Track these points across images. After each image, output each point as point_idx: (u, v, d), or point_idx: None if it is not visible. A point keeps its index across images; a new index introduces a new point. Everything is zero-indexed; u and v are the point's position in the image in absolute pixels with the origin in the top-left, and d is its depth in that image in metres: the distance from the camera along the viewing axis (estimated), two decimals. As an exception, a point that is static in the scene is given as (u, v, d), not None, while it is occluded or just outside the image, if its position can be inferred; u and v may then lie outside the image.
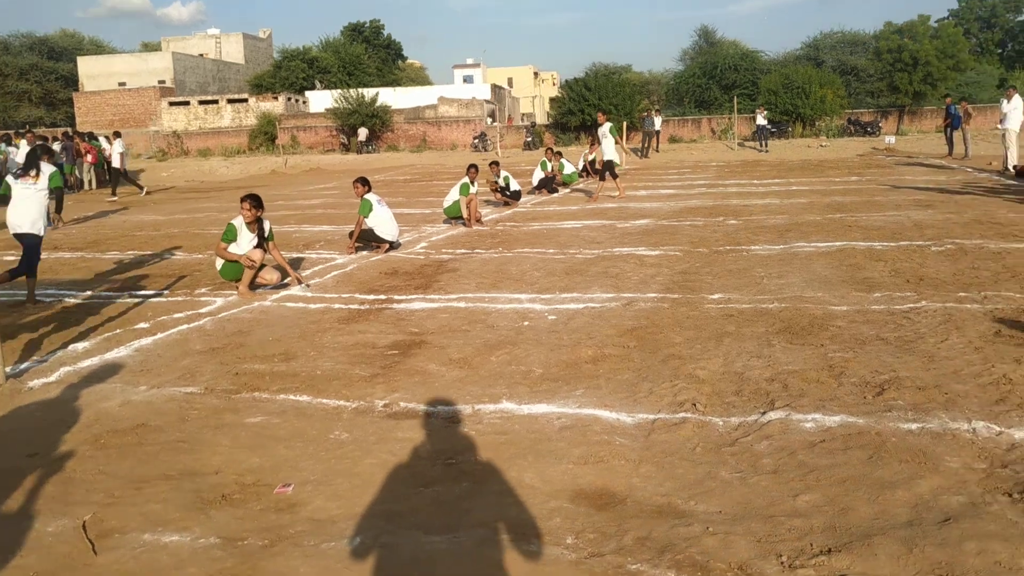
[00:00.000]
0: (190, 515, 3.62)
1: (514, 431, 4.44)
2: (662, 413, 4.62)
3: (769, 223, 11.96)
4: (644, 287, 7.99)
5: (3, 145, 23.79)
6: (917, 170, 21.15)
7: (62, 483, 4.03)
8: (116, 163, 23.92)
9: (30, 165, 8.50)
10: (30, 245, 8.34)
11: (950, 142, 25.83)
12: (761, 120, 33.45)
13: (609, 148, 16.90)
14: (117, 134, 25.20)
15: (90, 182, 27.38)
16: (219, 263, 8.47)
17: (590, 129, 39.27)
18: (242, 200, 8.41)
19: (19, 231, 8.38)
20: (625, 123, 33.54)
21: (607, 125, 17.02)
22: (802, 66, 43.14)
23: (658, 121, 35.57)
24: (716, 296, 7.44)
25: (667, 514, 3.44)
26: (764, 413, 4.51)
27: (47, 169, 8.59)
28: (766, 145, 32.88)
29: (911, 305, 6.72)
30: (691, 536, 3.23)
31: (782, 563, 3.01)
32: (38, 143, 9.19)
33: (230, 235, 8.30)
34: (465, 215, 13.17)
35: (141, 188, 24.90)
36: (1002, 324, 6.01)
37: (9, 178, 8.64)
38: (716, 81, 46.12)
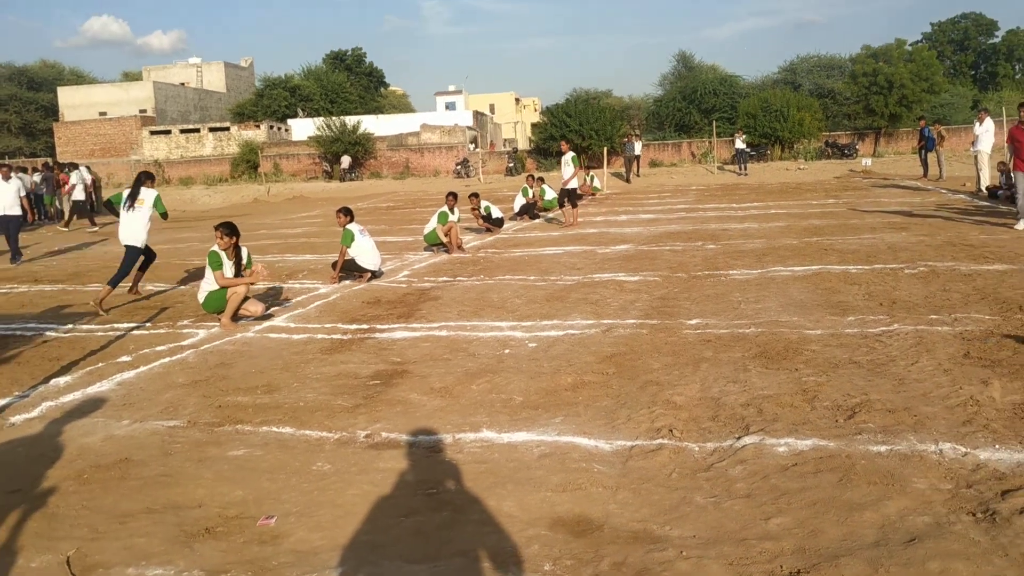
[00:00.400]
0: (174, 548, 3.67)
1: (494, 460, 4.52)
2: (640, 440, 4.71)
3: (747, 247, 12.14)
4: (624, 313, 8.11)
5: None
6: (893, 192, 21.48)
7: (45, 518, 4.06)
8: (77, 195, 23.82)
9: (134, 195, 10.49)
10: (130, 255, 10.47)
11: (924, 164, 26.22)
12: (740, 144, 33.86)
13: (570, 175, 17.02)
14: (74, 165, 25.36)
15: (71, 213, 27.29)
16: (201, 295, 8.52)
17: (571, 154, 39.60)
18: (215, 228, 8.50)
19: (127, 243, 10.49)
20: (606, 148, 33.80)
21: (570, 154, 17.22)
22: (780, 90, 43.78)
23: (638, 146, 35.96)
24: (694, 321, 7.56)
25: (643, 539, 3.53)
26: (739, 438, 4.61)
27: (149, 194, 10.52)
28: (745, 168, 33.26)
29: (883, 328, 6.86)
30: (665, 560, 3.32)
31: (753, 586, 3.10)
32: (142, 172, 10.96)
33: (217, 262, 8.35)
34: (446, 242, 13.29)
35: (94, 224, 23.80)
36: (971, 345, 6.16)
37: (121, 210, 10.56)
38: (696, 105, 46.70)
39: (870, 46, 44.51)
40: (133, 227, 10.48)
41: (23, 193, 15.34)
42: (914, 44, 51.67)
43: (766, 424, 4.80)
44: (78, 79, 62.44)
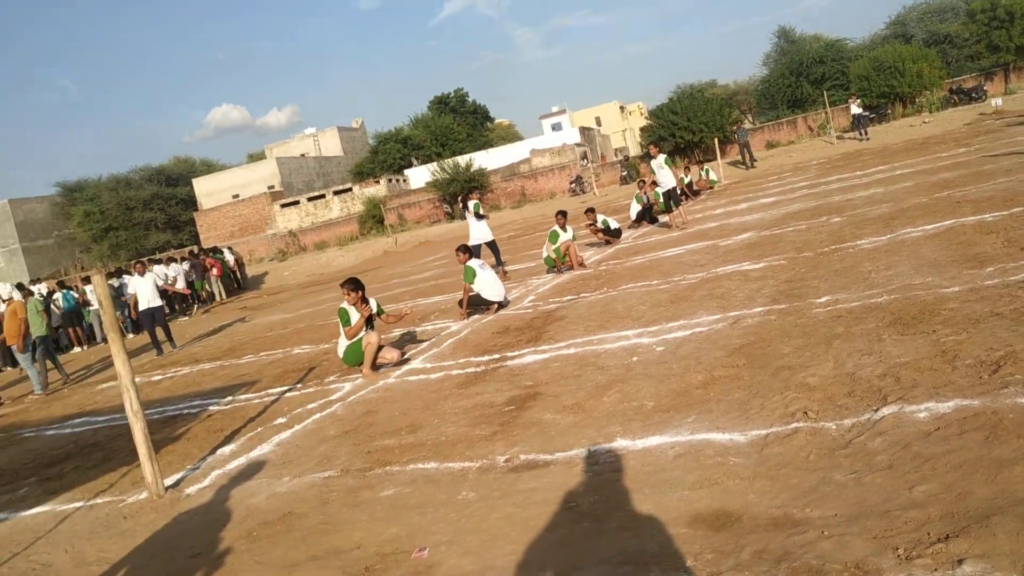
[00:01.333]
0: (339, 590, 3.92)
1: (630, 467, 4.58)
2: (774, 427, 4.66)
3: (873, 214, 11.70)
4: (750, 303, 7.99)
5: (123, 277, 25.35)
6: (1031, 128, 20.14)
7: (225, 576, 4.41)
8: (179, 284, 23.16)
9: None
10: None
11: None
12: (856, 108, 32.58)
13: (667, 178, 16.71)
14: (216, 249, 26.76)
15: (220, 293, 29.11)
16: (341, 350, 8.97)
17: (684, 151, 39.19)
18: (341, 286, 8.95)
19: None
20: (716, 139, 33.22)
21: (661, 157, 16.89)
22: (890, 45, 41.85)
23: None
24: (823, 299, 7.38)
25: (783, 525, 3.51)
26: (877, 410, 4.50)
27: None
28: (866, 133, 31.94)
29: (1027, 274, 6.49)
30: (806, 542, 3.29)
31: (899, 556, 3.04)
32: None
33: (346, 318, 8.81)
34: (564, 261, 13.44)
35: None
36: (1126, 277, 5.76)
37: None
38: (804, 77, 45.24)
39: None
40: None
41: (162, 283, 16.33)
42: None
43: (904, 392, 4.66)
44: (209, 168, 66.60)
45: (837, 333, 6.20)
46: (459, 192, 43.83)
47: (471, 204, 15.75)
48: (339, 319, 8.89)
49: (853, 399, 4.79)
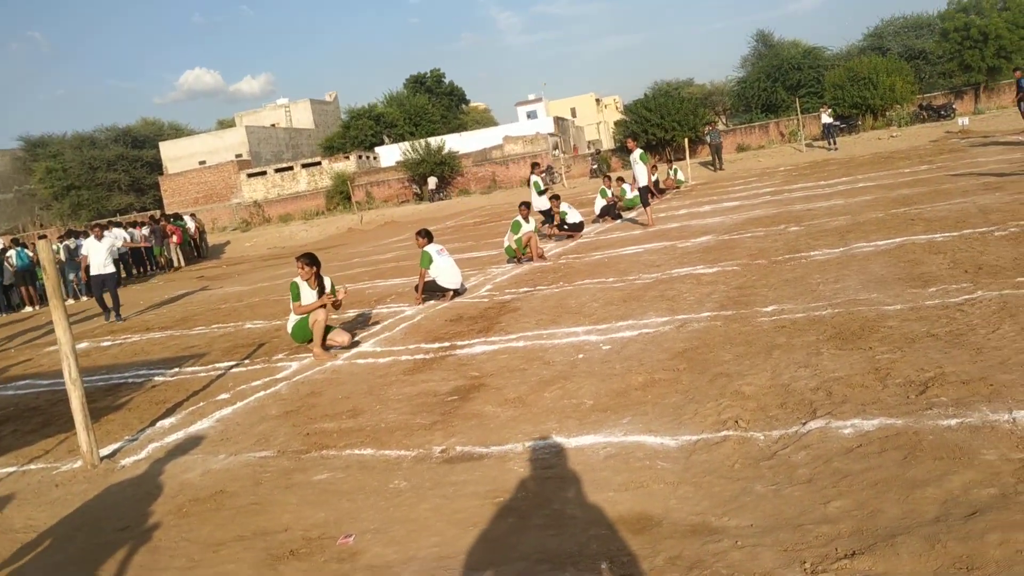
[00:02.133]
0: (260, 572, 3.93)
1: (561, 464, 4.63)
2: (705, 433, 4.74)
3: (831, 226, 11.87)
4: (699, 307, 8.09)
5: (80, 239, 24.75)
6: (992, 150, 20.54)
7: (149, 552, 4.40)
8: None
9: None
10: None
11: (1026, 116, 24.96)
12: (827, 118, 32.96)
13: (642, 174, 16.77)
14: (178, 216, 26.49)
15: (179, 260, 28.78)
16: (290, 326, 8.93)
17: (655, 148, 39.35)
18: (296, 259, 8.91)
19: None
20: (687, 139, 33.41)
21: (637, 152, 16.94)
22: (867, 56, 42.31)
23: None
24: (769, 308, 7.49)
25: (700, 532, 3.58)
26: (805, 423, 4.60)
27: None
28: (835, 143, 32.34)
29: (966, 297, 6.65)
30: (719, 551, 3.37)
31: (805, 570, 3.13)
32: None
33: (296, 292, 8.77)
34: (519, 252, 13.48)
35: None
36: (1058, 306, 5.91)
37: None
38: (780, 83, 45.62)
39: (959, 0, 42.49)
40: None
41: (118, 250, 15.84)
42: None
43: (834, 407, 4.76)
44: (177, 132, 65.57)
45: (778, 343, 6.30)
46: (428, 173, 43.68)
47: (532, 179, 18.05)
48: (290, 293, 8.86)
49: (784, 411, 4.89)
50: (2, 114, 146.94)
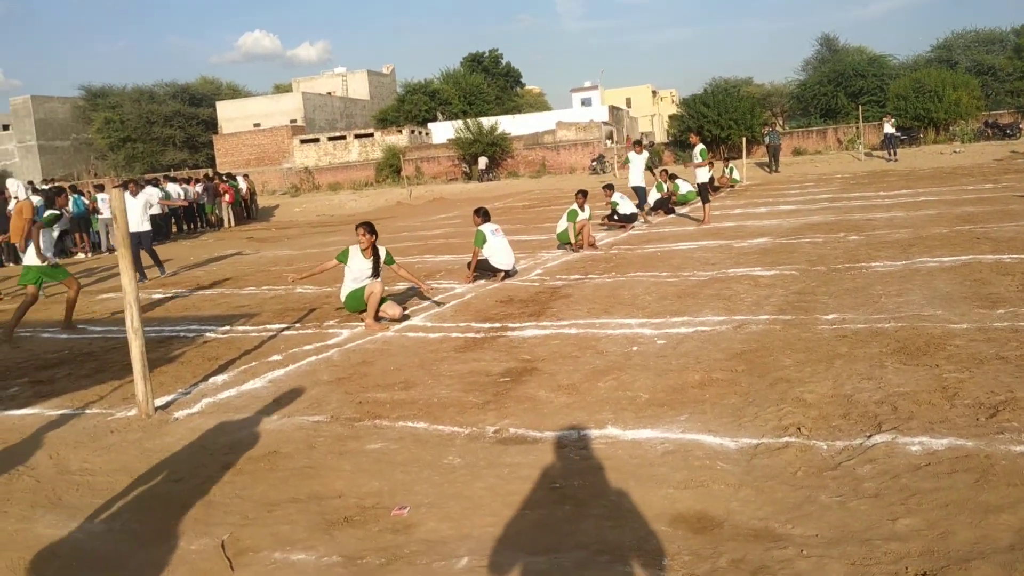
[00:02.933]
0: (315, 535, 3.95)
1: (617, 456, 4.59)
2: (766, 438, 4.67)
3: (892, 238, 11.64)
4: (757, 309, 7.98)
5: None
6: (1061, 173, 20.00)
7: (203, 506, 4.44)
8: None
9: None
10: None
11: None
12: (889, 128, 32.28)
13: (703, 171, 16.48)
14: (231, 175, 26.60)
15: (229, 219, 29.12)
16: (343, 295, 8.97)
17: (709, 145, 38.88)
18: (357, 227, 8.94)
19: None
20: (745, 138, 32.98)
21: (699, 147, 16.58)
22: (934, 68, 41.39)
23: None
24: (831, 316, 7.36)
25: (763, 538, 3.53)
26: (870, 436, 4.51)
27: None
28: (895, 154, 31.70)
29: (1037, 321, 6.47)
30: (784, 559, 3.31)
31: (874, 587, 3.06)
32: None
33: (343, 256, 8.84)
34: (573, 242, 13.40)
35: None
36: None
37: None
38: (842, 88, 44.78)
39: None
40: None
41: (154, 207, 15.77)
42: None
43: (900, 422, 4.66)
44: (234, 93, 66.21)
45: (840, 353, 6.19)
46: (479, 153, 43.63)
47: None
48: (339, 253, 8.91)
49: (848, 422, 4.80)
50: (64, 63, 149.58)
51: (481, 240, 11.00)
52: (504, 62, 70.27)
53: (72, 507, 4.56)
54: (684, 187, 20.75)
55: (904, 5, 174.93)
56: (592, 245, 13.64)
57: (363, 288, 8.73)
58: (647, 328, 7.61)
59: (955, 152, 31.69)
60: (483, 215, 11.31)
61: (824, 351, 6.28)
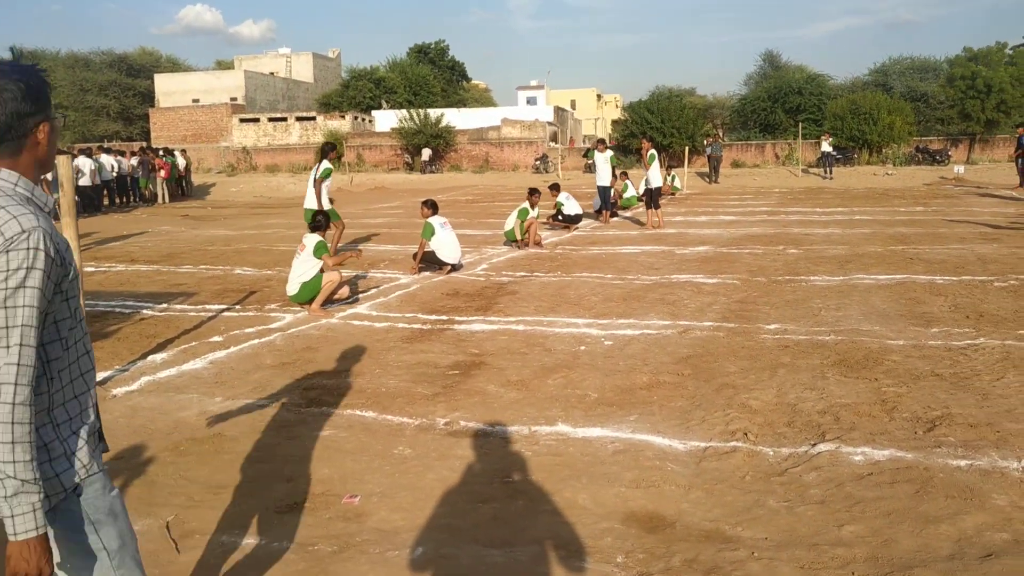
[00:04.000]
0: (264, 520, 3.89)
1: (568, 453, 4.63)
2: (714, 441, 4.76)
3: (830, 253, 11.96)
4: (701, 315, 8.11)
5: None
6: (986, 201, 20.81)
7: (145, 486, 4.34)
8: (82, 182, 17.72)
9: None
10: None
11: (1022, 173, 25.27)
12: (826, 147, 33.13)
13: (655, 176, 16.80)
14: (168, 150, 26.09)
15: (164, 195, 28.38)
16: (294, 286, 8.44)
17: (652, 152, 39.32)
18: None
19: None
20: (687, 147, 33.47)
21: (651, 152, 16.99)
22: (870, 91, 42.60)
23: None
24: (772, 326, 7.53)
25: (714, 539, 3.59)
26: (815, 445, 4.62)
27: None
28: (831, 172, 32.55)
29: (969, 342, 6.73)
30: (736, 560, 3.38)
31: (824, 590, 3.14)
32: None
33: (324, 249, 8.70)
34: (520, 239, 13.44)
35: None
36: (1061, 363, 6.00)
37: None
38: (781, 104, 45.75)
39: (972, 48, 42.90)
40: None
41: (84, 178, 15.48)
42: (1016, 48, 49.52)
43: (843, 432, 4.79)
44: (174, 66, 64.46)
45: (783, 362, 6.34)
46: (423, 144, 43.37)
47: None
48: (315, 251, 8.63)
49: (792, 429, 4.91)
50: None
51: (429, 232, 10.94)
52: (450, 55, 69.97)
53: None
54: (630, 191, 20.96)
55: (844, 28, 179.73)
56: (538, 243, 13.69)
57: (318, 278, 8.54)
58: (594, 328, 7.67)
59: (887, 174, 32.69)
60: (432, 207, 11.25)
61: (767, 360, 6.42)
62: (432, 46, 69.17)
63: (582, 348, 6.98)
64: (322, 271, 8.58)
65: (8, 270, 1.79)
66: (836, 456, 4.45)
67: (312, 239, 8.71)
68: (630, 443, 4.75)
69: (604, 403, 5.51)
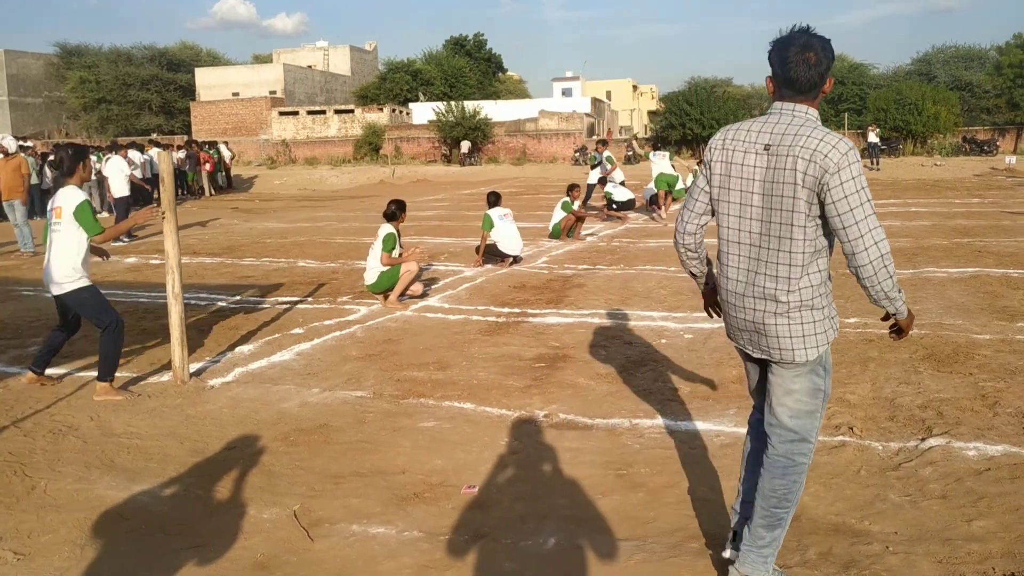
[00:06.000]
0: (389, 510, 3.96)
1: (677, 446, 4.65)
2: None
3: (894, 246, 11.75)
4: (775, 308, 8.06)
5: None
6: (1042, 193, 20.47)
7: (264, 475, 4.42)
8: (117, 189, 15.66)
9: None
10: None
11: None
12: (873, 137, 32.76)
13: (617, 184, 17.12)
14: (213, 143, 26.13)
15: (208, 188, 28.69)
16: (371, 275, 8.60)
17: (691, 143, 39.18)
18: (389, 212, 8.98)
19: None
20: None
21: (606, 154, 17.52)
22: (914, 81, 42.01)
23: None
24: (852, 320, 7.49)
25: (843, 532, 3.60)
26: (923, 439, 4.61)
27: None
28: (878, 163, 32.16)
29: (1059, 336, 6.65)
30: (872, 554, 3.39)
31: (968, 585, 3.15)
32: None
33: (392, 244, 8.73)
34: (565, 225, 13.48)
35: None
36: None
37: None
38: (822, 95, 45.20)
39: (1022, 35, 41.99)
40: None
41: (127, 174, 16.00)
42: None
43: (949, 427, 4.77)
44: (214, 60, 65.13)
45: (871, 356, 6.31)
46: (461, 137, 43.44)
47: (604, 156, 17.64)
48: (383, 243, 8.70)
49: (896, 424, 4.90)
50: (31, 17, 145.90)
51: (488, 224, 11.00)
52: (488, 47, 69.91)
53: (127, 470, 4.52)
54: (679, 184, 20.84)
55: (885, 16, 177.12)
56: (580, 238, 13.73)
57: (396, 268, 8.61)
58: (670, 322, 7.67)
59: (936, 165, 32.23)
60: (493, 199, 11.30)
61: (854, 353, 6.39)
62: (470, 38, 69.15)
63: (663, 341, 6.99)
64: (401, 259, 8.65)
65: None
66: (948, 451, 4.43)
67: (384, 229, 8.80)
68: (735, 436, 4.76)
69: (699, 397, 5.52)
